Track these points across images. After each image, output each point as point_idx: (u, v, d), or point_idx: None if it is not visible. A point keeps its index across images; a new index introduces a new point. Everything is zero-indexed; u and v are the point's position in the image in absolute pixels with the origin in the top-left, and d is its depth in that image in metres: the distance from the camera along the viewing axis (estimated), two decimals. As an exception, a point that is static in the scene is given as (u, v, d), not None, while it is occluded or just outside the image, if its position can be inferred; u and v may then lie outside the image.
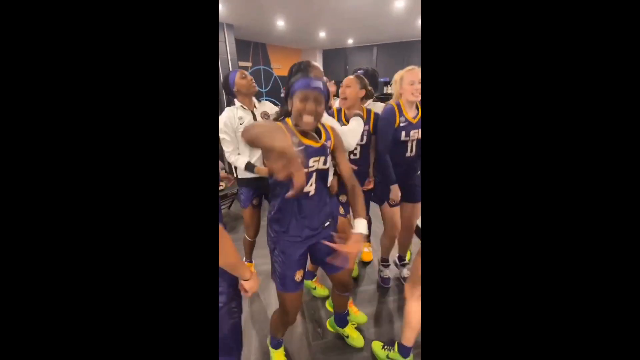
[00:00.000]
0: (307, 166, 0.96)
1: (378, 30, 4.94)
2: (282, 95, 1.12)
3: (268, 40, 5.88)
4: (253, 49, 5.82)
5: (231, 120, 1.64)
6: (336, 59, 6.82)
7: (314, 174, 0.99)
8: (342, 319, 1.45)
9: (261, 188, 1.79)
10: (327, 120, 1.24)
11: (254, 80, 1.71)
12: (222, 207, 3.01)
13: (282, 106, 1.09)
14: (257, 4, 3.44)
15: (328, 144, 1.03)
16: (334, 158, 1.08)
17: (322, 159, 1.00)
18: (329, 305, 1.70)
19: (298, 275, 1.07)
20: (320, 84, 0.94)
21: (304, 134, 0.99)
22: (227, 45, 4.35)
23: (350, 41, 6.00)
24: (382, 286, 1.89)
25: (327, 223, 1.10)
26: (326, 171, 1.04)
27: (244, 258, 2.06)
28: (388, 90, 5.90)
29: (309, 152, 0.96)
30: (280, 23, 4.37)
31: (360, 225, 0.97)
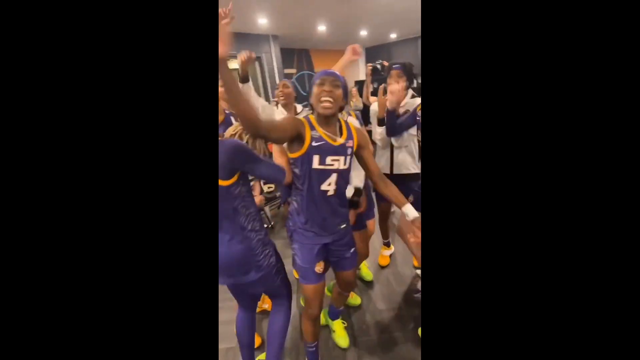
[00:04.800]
0: (324, 163, 0.97)
1: (419, 22, 4.76)
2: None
3: (311, 46, 6.07)
4: (297, 55, 6.07)
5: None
6: (379, 55, 6.71)
7: (334, 174, 0.99)
8: (334, 312, 1.48)
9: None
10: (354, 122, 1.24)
11: (287, 90, 1.80)
12: (272, 207, 3.22)
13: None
14: (298, 13, 3.62)
15: (349, 143, 1.01)
16: (359, 158, 1.07)
17: (342, 158, 0.99)
18: (327, 291, 1.68)
19: (319, 267, 1.07)
20: (336, 73, 0.99)
21: (325, 128, 0.99)
22: (272, 55, 4.64)
23: (393, 35, 5.88)
24: None
25: (344, 225, 1.10)
26: (347, 172, 1.04)
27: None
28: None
29: (327, 150, 0.97)
30: (322, 28, 4.51)
31: (411, 211, 1.00)
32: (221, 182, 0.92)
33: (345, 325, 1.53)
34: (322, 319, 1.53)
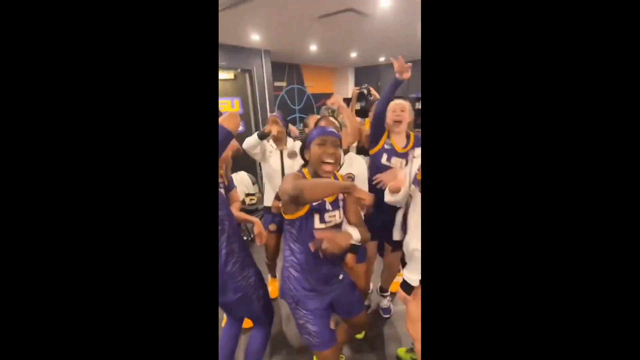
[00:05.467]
0: (324, 221, 0.96)
1: (408, 48, 4.97)
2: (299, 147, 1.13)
3: (302, 61, 6.18)
4: (288, 70, 6.15)
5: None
6: (369, 76, 6.92)
7: (332, 229, 0.98)
8: None
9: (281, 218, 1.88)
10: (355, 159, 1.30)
11: (278, 128, 1.78)
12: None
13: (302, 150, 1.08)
14: (290, 30, 3.70)
15: (341, 196, 1.02)
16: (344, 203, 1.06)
17: (338, 213, 1.00)
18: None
19: (332, 325, 1.07)
20: (335, 132, 0.99)
21: None
22: (263, 68, 4.68)
23: (381, 59, 6.09)
24: (382, 316, 1.86)
25: (342, 276, 1.11)
26: (340, 225, 1.04)
27: (269, 275, 2.18)
28: (418, 106, 5.83)
29: (324, 208, 0.96)
30: (313, 47, 4.61)
31: (353, 231, 0.98)
32: None
33: (343, 358, 1.54)
34: None
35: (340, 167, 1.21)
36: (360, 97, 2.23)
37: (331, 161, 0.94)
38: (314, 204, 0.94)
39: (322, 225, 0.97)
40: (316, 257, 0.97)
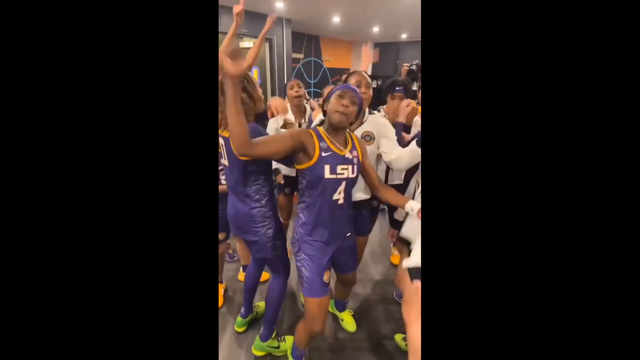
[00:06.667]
0: (335, 172, 1.02)
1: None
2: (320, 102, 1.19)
3: (322, 33, 6.05)
4: (306, 41, 6.05)
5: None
6: (388, 53, 6.77)
7: (343, 183, 1.04)
8: (341, 304, 1.61)
9: (293, 181, 1.91)
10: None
11: (301, 91, 1.78)
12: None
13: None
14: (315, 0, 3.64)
15: (354, 154, 1.07)
16: (361, 166, 1.12)
17: (350, 167, 1.05)
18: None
19: (326, 277, 1.10)
20: (357, 90, 1.05)
21: (334, 139, 1.04)
22: (284, 38, 4.64)
23: (404, 36, 5.94)
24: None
25: (349, 233, 1.17)
26: (355, 180, 1.10)
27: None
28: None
29: (337, 159, 1.03)
30: (336, 19, 4.52)
31: (414, 205, 1.05)
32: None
33: (352, 313, 1.65)
34: (330, 310, 1.64)
35: (361, 124, 1.28)
36: (410, 73, 2.22)
37: (344, 112, 0.99)
38: (323, 153, 0.99)
39: (333, 176, 1.00)
40: (325, 211, 1.04)
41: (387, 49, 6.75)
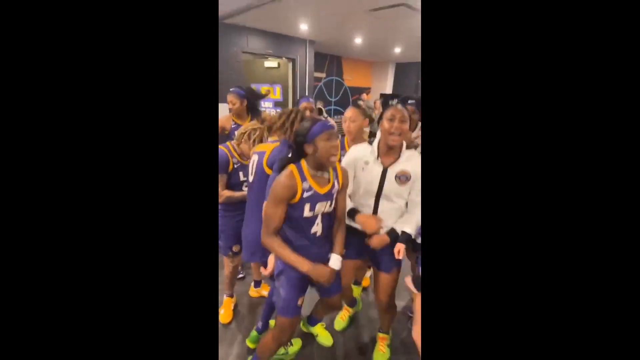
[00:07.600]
0: (313, 210, 1.03)
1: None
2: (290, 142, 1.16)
3: (344, 54, 6.23)
4: (329, 61, 6.23)
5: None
6: (409, 73, 6.83)
7: (320, 216, 1.05)
8: (313, 320, 1.54)
9: None
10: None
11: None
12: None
13: (292, 151, 1.08)
14: (338, 21, 3.77)
15: (334, 189, 1.07)
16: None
17: (328, 203, 1.05)
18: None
19: (300, 302, 1.12)
20: (333, 124, 1.08)
21: (315, 178, 1.02)
22: (307, 58, 4.82)
23: (424, 56, 5.99)
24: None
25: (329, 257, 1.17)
26: (332, 212, 1.09)
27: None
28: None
29: (316, 198, 1.03)
30: (358, 40, 4.65)
31: (335, 261, 1.08)
32: (267, 170, 1.16)
33: (325, 326, 1.57)
34: (303, 328, 1.59)
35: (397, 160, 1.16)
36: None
37: (336, 153, 1.00)
38: (305, 194, 1.00)
39: (310, 214, 1.02)
40: (304, 242, 1.06)
41: (407, 70, 6.81)
